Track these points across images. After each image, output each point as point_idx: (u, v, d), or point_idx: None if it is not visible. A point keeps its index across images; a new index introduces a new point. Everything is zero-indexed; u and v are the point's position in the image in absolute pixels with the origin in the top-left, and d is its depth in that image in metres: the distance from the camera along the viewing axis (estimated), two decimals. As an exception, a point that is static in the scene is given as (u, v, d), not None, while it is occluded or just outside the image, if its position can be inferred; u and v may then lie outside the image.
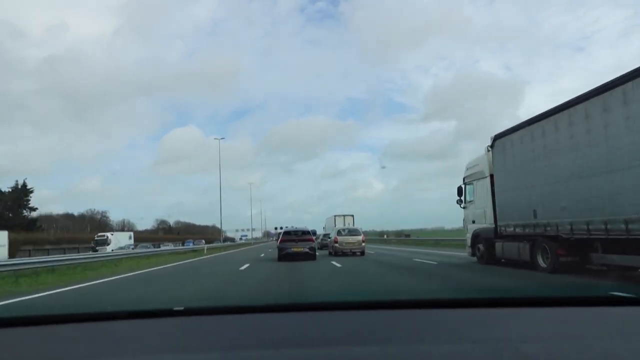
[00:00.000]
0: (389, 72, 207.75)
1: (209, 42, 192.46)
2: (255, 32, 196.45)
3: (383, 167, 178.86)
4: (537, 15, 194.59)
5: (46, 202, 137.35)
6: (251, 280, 11.45)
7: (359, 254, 21.27)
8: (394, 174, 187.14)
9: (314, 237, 20.94)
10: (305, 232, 20.11)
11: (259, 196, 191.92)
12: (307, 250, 18.73)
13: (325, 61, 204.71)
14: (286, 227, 26.86)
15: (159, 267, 18.37)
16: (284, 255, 18.61)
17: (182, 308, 1.67)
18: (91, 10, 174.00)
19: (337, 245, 21.54)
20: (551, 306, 1.69)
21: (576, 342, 1.22)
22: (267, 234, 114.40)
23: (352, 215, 43.73)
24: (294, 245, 18.87)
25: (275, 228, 74.94)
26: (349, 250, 21.17)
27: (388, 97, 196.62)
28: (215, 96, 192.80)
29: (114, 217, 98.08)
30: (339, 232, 22.53)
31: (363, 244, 21.96)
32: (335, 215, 44.03)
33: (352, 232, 22.86)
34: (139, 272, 15.89)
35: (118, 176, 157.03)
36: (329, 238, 25.76)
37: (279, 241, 20.50)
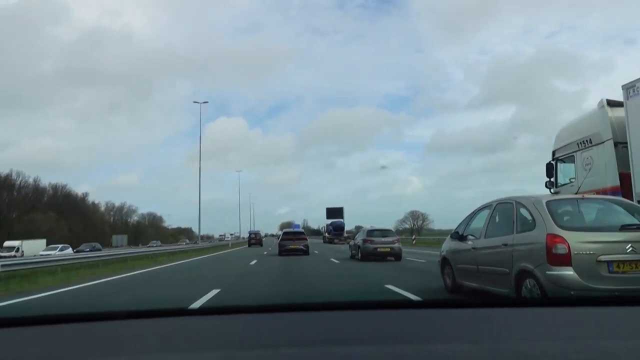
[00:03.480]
0: (434, 64, 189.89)
1: (247, 36, 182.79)
2: (293, 27, 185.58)
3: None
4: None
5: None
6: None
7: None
8: (435, 169, 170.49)
9: (306, 237, 26.36)
10: (300, 233, 26.98)
11: (292, 193, 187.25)
12: (301, 247, 23.83)
13: (365, 56, 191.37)
14: (285, 230, 32.34)
15: None
16: (284, 251, 23.72)
17: (182, 308, 1.74)
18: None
19: None
20: (551, 306, 1.75)
21: (576, 342, 1.23)
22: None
23: None
24: (292, 243, 24.06)
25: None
26: None
27: (432, 90, 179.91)
28: (252, 91, 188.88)
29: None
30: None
31: None
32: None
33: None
34: None
35: (154, 170, 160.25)
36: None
37: (280, 240, 26.15)
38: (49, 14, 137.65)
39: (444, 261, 8.14)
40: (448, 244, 8.17)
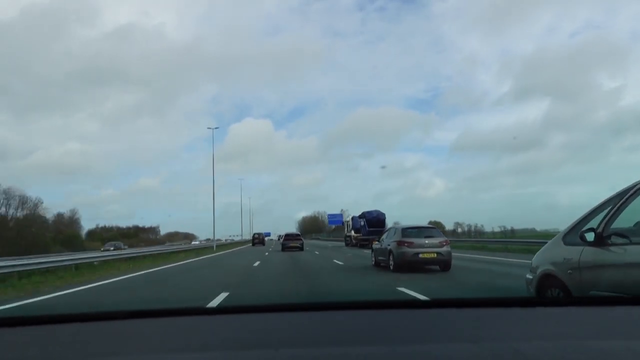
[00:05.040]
0: (459, 63, 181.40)
1: (269, 39, 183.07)
2: (315, 30, 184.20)
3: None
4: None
5: (107, 202, 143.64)
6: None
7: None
8: (462, 171, 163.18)
9: (302, 238, 37.02)
10: (297, 235, 37.02)
11: (313, 195, 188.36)
12: (297, 245, 33.62)
13: (388, 57, 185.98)
14: (286, 233, 39.55)
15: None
16: (286, 247, 33.40)
17: (182, 308, 1.75)
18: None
19: None
20: (551, 306, 1.77)
21: (576, 342, 1.24)
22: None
23: None
24: (291, 242, 33.94)
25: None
26: None
27: (458, 90, 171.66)
28: (273, 94, 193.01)
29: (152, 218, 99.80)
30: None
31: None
32: None
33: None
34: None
35: (176, 175, 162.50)
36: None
37: (282, 240, 36.57)
38: (74, 14, 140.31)
39: (546, 281, 4.54)
40: (556, 252, 4.56)
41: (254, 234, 62.83)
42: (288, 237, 35.61)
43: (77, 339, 1.41)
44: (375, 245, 16.74)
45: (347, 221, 44.37)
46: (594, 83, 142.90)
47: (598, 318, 1.53)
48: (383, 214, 37.23)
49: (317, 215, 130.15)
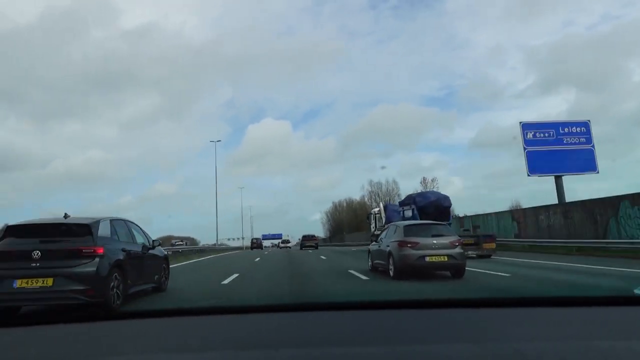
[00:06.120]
0: (476, 60, 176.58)
1: (282, 40, 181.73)
2: (328, 30, 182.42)
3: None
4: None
5: (124, 209, 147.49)
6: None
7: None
8: (482, 168, 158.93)
9: (317, 238, 52.48)
10: (313, 236, 51.01)
11: (329, 197, 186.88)
12: (313, 244, 46.59)
13: (403, 55, 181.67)
14: (303, 235, 54.13)
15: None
16: (303, 246, 45.69)
17: (182, 308, 1.78)
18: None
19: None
20: (551, 306, 1.74)
21: (576, 342, 1.24)
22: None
23: None
24: (307, 242, 47.08)
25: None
26: None
27: (476, 87, 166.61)
28: (287, 95, 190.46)
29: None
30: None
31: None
32: None
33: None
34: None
35: (191, 181, 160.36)
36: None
37: (301, 240, 50.18)
38: (91, 18, 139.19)
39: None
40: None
41: (252, 239, 72.35)
42: (305, 238, 49.94)
43: (76, 339, 1.41)
44: (373, 246, 13.98)
45: (376, 213, 28.11)
46: (623, 73, 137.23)
47: (598, 318, 1.52)
48: (447, 199, 21.97)
49: (376, 193, 77.28)
